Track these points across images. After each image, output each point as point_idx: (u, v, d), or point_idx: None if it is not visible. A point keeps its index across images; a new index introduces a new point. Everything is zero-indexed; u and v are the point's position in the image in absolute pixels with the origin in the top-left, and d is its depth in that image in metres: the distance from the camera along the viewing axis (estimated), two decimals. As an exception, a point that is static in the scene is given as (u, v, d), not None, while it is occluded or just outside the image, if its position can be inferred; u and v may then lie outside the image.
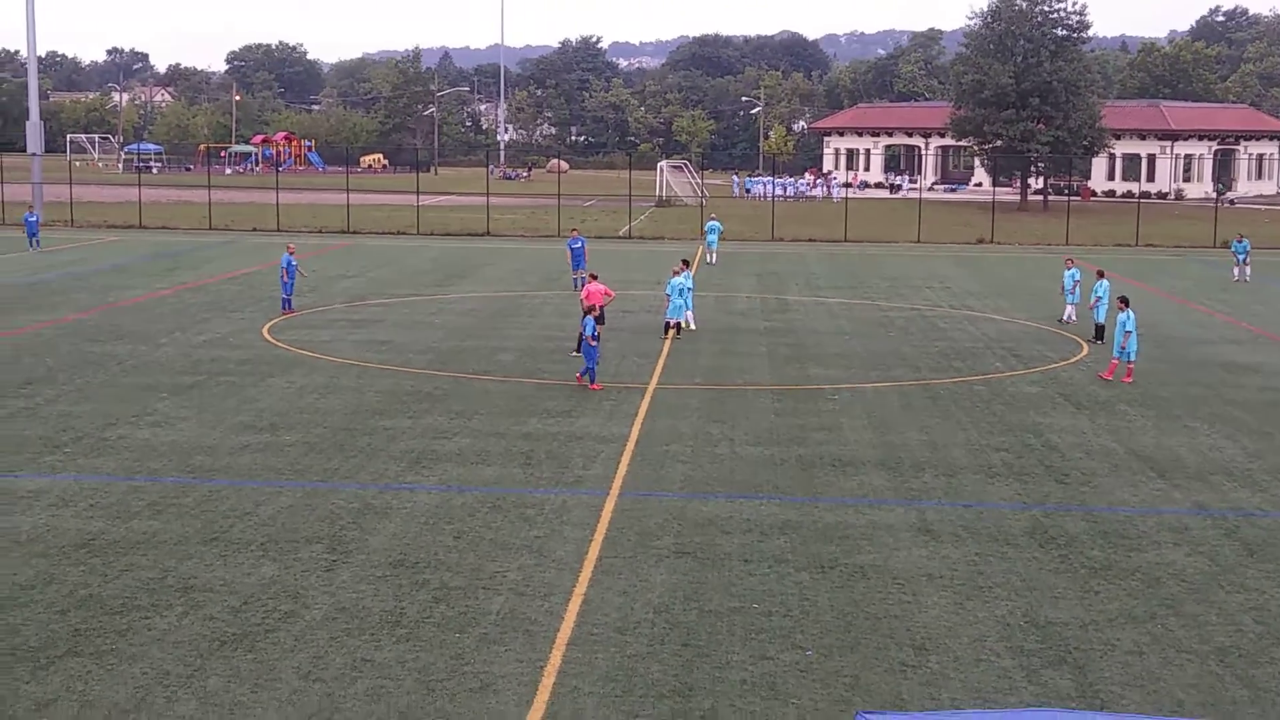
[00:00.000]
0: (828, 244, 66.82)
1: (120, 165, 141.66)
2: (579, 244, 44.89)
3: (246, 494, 19.46)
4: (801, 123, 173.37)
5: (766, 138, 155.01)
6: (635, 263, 53.59)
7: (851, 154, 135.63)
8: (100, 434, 22.91)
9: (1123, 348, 28.87)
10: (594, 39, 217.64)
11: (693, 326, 35.13)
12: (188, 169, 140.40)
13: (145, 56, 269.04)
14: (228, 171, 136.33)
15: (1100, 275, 35.20)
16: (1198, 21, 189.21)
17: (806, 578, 16.20)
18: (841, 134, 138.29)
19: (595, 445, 22.65)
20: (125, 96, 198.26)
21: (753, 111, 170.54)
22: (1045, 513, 19.12)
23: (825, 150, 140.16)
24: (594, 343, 27.31)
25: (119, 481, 20.07)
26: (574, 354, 30.86)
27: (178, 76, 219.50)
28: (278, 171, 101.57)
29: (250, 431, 23.36)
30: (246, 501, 19.06)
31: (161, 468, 20.91)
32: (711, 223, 57.61)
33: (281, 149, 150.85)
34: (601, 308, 30.19)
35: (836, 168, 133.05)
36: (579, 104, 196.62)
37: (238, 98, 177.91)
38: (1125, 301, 29.62)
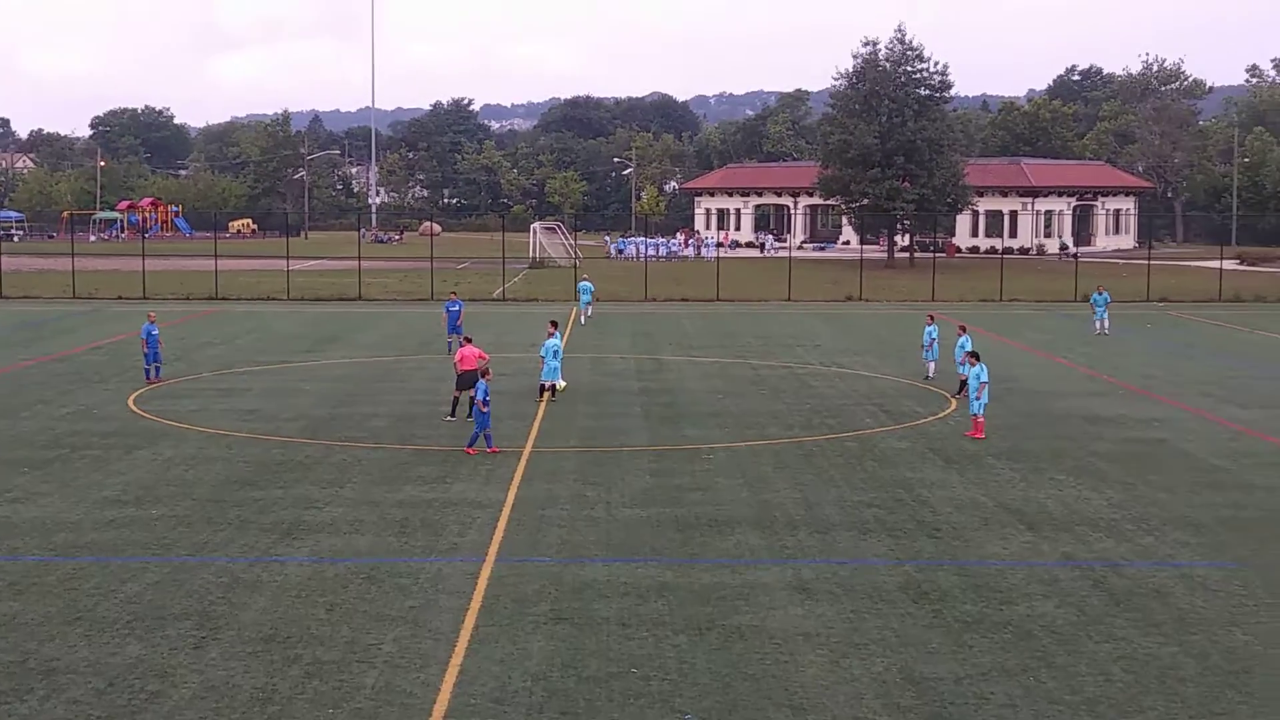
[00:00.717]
0: (700, 303, 67.36)
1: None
2: (456, 307, 44.68)
3: (112, 571, 18.97)
4: (673, 183, 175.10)
5: (638, 198, 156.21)
6: (509, 325, 53.52)
7: (722, 213, 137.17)
8: (-43, 512, 22.19)
9: (978, 399, 29.36)
10: (465, 101, 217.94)
11: (562, 384, 35.12)
12: (50, 236, 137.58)
13: (6, 122, 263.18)
14: (92, 239, 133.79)
15: (962, 330, 35.87)
16: (1055, 80, 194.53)
17: (685, 640, 16.18)
18: (712, 194, 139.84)
19: (470, 511, 22.47)
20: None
21: (624, 172, 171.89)
22: (918, 568, 19.35)
23: (696, 210, 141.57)
24: (485, 408, 27.11)
25: (-23, 562, 19.44)
26: (448, 419, 30.66)
27: (40, 142, 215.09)
28: (144, 238, 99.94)
29: (115, 506, 22.81)
30: (112, 579, 18.57)
31: (22, 546, 20.31)
32: (583, 283, 58.00)
33: (147, 215, 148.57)
34: (477, 371, 30.07)
35: (708, 227, 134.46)
36: (451, 166, 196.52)
37: (102, 163, 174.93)
38: (976, 356, 30.23)
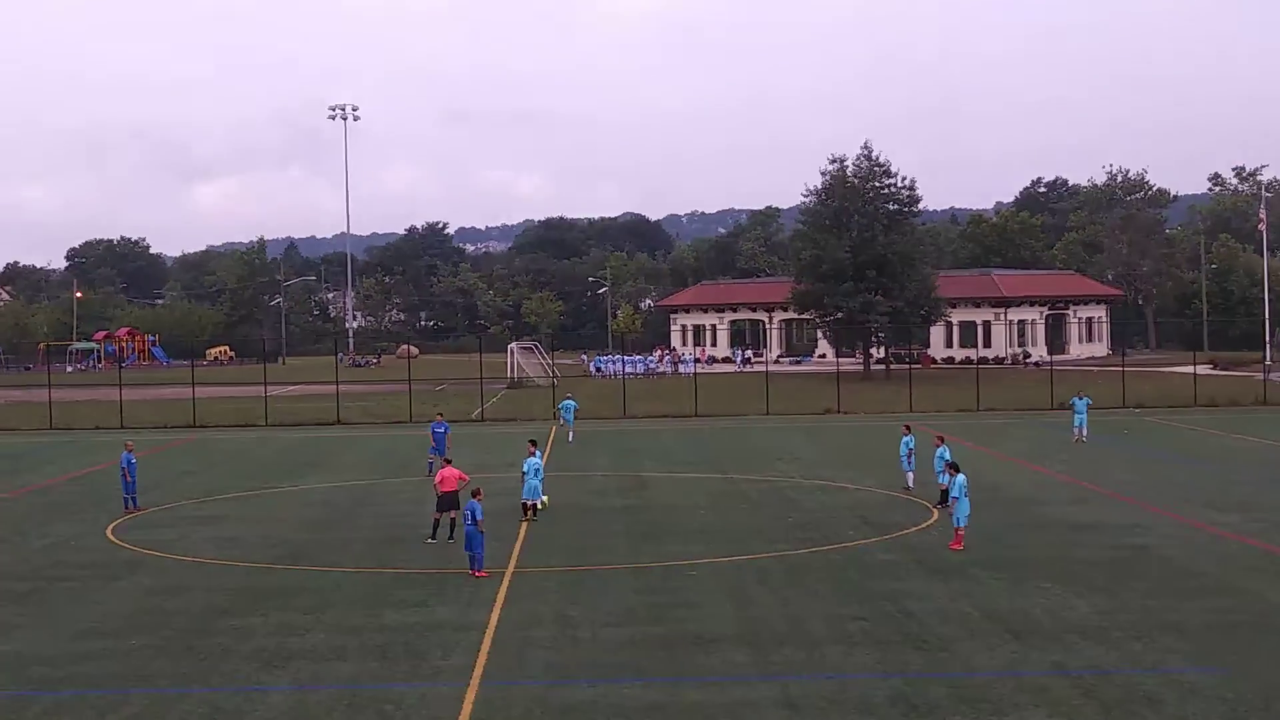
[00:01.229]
0: (679, 419, 67.43)
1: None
2: (443, 428, 44.72)
3: (90, 703, 18.71)
4: (648, 301, 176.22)
5: (615, 317, 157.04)
6: (489, 445, 53.43)
7: (698, 329, 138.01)
8: (-67, 649, 21.90)
9: (951, 511, 29.32)
10: (440, 225, 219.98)
11: (545, 501, 35.14)
12: (27, 368, 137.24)
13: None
14: (69, 369, 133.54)
15: (940, 441, 35.99)
16: (1021, 193, 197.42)
17: (673, 761, 15.99)
18: (688, 310, 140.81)
19: (453, 634, 22.28)
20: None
21: (600, 291, 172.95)
22: (907, 680, 19.22)
23: (673, 327, 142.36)
24: (482, 530, 26.94)
25: (-47, 698, 19.15)
26: (429, 541, 30.49)
27: (16, 275, 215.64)
28: (121, 367, 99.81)
29: (93, 638, 22.54)
30: (90, 713, 18.31)
31: (-1, 681, 20.03)
32: (566, 402, 58.23)
33: (124, 344, 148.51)
34: (458, 493, 30.03)
35: (684, 343, 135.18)
36: (427, 289, 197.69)
37: (79, 294, 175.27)
38: (955, 467, 30.31)
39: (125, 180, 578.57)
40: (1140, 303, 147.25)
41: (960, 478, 29.49)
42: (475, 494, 27.52)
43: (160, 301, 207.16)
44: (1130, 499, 36.70)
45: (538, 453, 35.11)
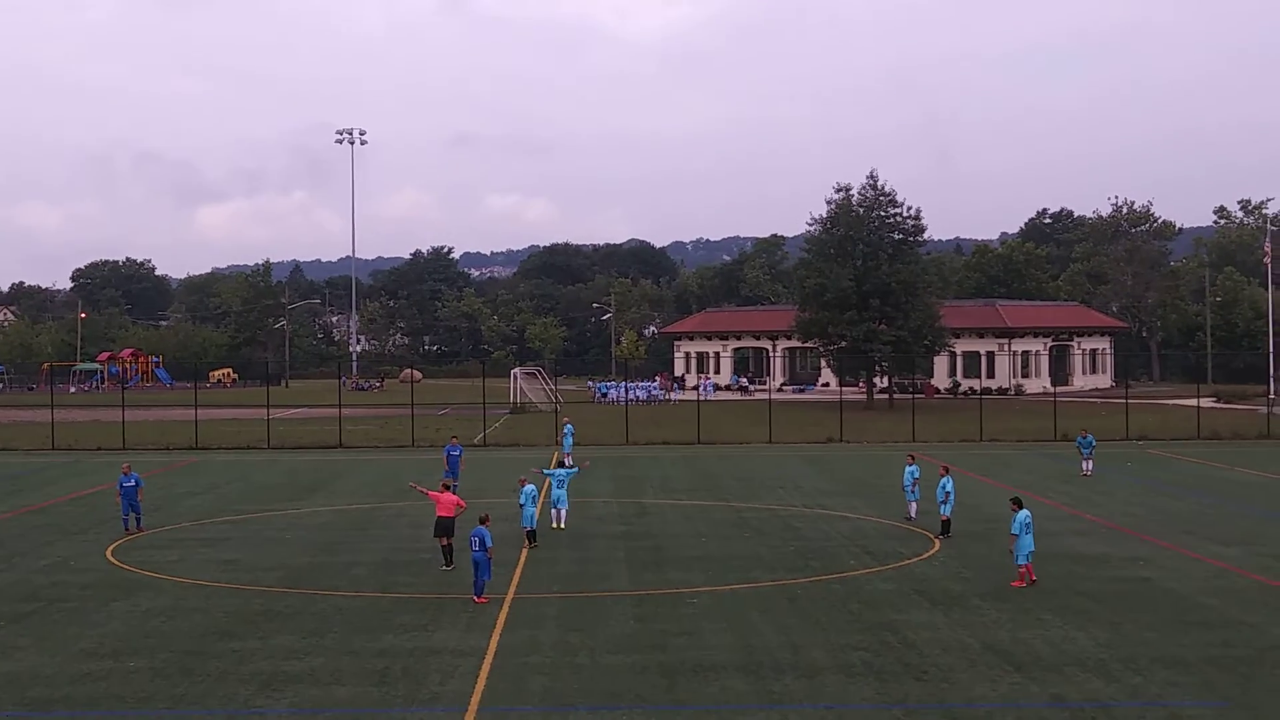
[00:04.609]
0: (681, 446, 67.35)
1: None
2: (457, 451, 45.11)
3: (87, 726, 18.65)
4: (652, 327, 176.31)
5: (618, 343, 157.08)
6: (491, 470, 53.37)
7: (702, 357, 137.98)
8: (-69, 668, 21.85)
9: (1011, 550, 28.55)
10: (445, 249, 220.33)
11: (562, 526, 36.39)
12: (30, 388, 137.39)
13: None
14: (72, 390, 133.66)
15: (945, 471, 35.94)
16: (1026, 223, 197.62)
17: (671, 789, 15.93)
18: (691, 338, 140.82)
19: (452, 660, 22.23)
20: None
21: (604, 318, 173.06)
22: (906, 711, 19.15)
23: (676, 354, 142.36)
24: (490, 556, 26.93)
25: (-50, 718, 19.11)
26: (444, 569, 30.27)
27: (21, 295, 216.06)
28: (124, 388, 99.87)
29: (92, 659, 22.50)
30: (87, 734, 18.26)
31: (-4, 702, 19.98)
32: (567, 426, 58.51)
33: (128, 365, 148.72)
34: (452, 519, 30.04)
35: (688, 370, 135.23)
36: (431, 313, 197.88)
37: (83, 315, 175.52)
38: (1018, 503, 29.18)
39: (132, 202, 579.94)
40: (1144, 335, 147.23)
41: (1021, 514, 28.57)
42: (483, 520, 27.48)
43: (165, 323, 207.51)
44: (1133, 531, 36.62)
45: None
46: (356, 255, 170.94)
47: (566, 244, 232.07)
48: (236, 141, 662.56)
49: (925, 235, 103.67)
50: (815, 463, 58.03)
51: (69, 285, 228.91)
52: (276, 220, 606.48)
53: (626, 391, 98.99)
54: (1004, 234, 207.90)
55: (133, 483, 37.42)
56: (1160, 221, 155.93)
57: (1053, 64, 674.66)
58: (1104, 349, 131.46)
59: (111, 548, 34.47)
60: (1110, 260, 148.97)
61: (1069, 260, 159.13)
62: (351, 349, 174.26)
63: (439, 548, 30.96)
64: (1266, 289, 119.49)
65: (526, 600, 27.19)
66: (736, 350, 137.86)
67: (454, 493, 31.50)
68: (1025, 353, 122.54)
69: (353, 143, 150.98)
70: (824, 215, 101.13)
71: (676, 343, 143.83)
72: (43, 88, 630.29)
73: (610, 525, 38.55)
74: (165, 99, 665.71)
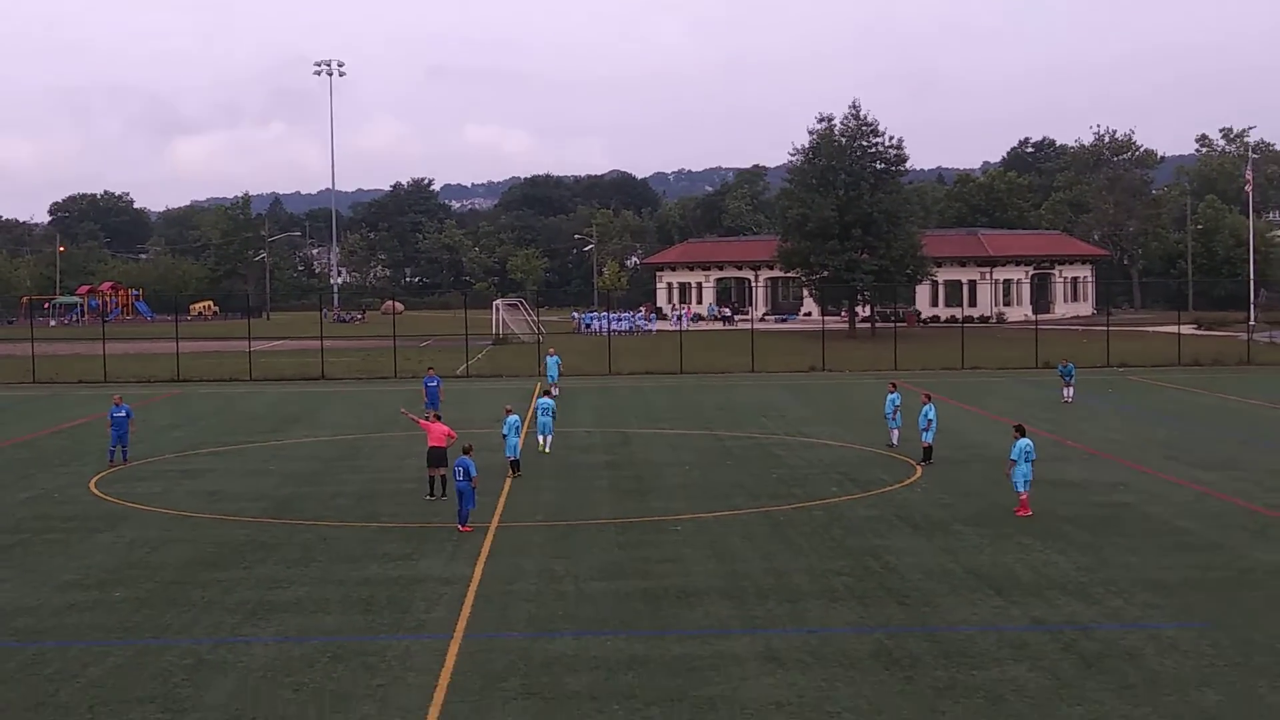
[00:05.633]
0: (664, 376, 67.41)
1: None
2: (435, 382, 45.16)
3: (73, 655, 18.69)
4: (634, 258, 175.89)
5: (600, 274, 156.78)
6: (474, 401, 53.36)
7: (684, 287, 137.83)
8: (-85, 600, 21.86)
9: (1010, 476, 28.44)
10: (426, 181, 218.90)
11: (547, 450, 37.39)
12: (10, 322, 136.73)
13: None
14: (52, 323, 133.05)
15: (927, 399, 36.05)
16: (1009, 153, 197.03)
17: (657, 713, 16.06)
18: (674, 269, 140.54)
19: (437, 588, 22.30)
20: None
21: (586, 249, 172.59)
22: (888, 635, 19.29)
23: (658, 284, 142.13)
24: (475, 486, 26.94)
25: (-65, 649, 19.13)
26: (428, 498, 30.34)
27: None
28: (104, 321, 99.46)
29: (77, 590, 22.52)
30: (73, 663, 18.30)
31: (-18, 632, 20.00)
32: (551, 357, 58.10)
33: (108, 299, 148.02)
34: (446, 449, 30.04)
35: (670, 301, 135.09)
36: (413, 245, 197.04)
37: (61, 249, 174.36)
38: (1020, 430, 28.99)
39: (109, 136, 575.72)
40: (1126, 263, 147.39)
41: (1022, 442, 28.37)
42: (466, 450, 27.48)
43: (144, 256, 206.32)
44: (1113, 456, 36.82)
45: (515, 414, 34.88)
46: (336, 188, 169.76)
47: (548, 175, 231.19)
48: (213, 74, 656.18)
49: (907, 165, 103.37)
50: (798, 391, 58.15)
51: (47, 219, 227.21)
52: (255, 153, 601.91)
53: (609, 322, 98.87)
54: (986, 163, 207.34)
55: (124, 414, 37.34)
56: (1142, 150, 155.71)
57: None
58: (1085, 277, 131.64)
59: (95, 480, 34.44)
60: (1092, 189, 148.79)
61: (1051, 189, 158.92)
62: (332, 281, 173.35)
63: (425, 478, 30.98)
64: (1248, 216, 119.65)
65: (511, 529, 27.27)
66: (719, 280, 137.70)
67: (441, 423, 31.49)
68: (1007, 281, 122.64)
69: (331, 74, 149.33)
70: (806, 145, 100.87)
71: (659, 273, 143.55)
72: (15, 20, 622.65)
73: (594, 454, 38.62)
74: (140, 32, 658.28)
